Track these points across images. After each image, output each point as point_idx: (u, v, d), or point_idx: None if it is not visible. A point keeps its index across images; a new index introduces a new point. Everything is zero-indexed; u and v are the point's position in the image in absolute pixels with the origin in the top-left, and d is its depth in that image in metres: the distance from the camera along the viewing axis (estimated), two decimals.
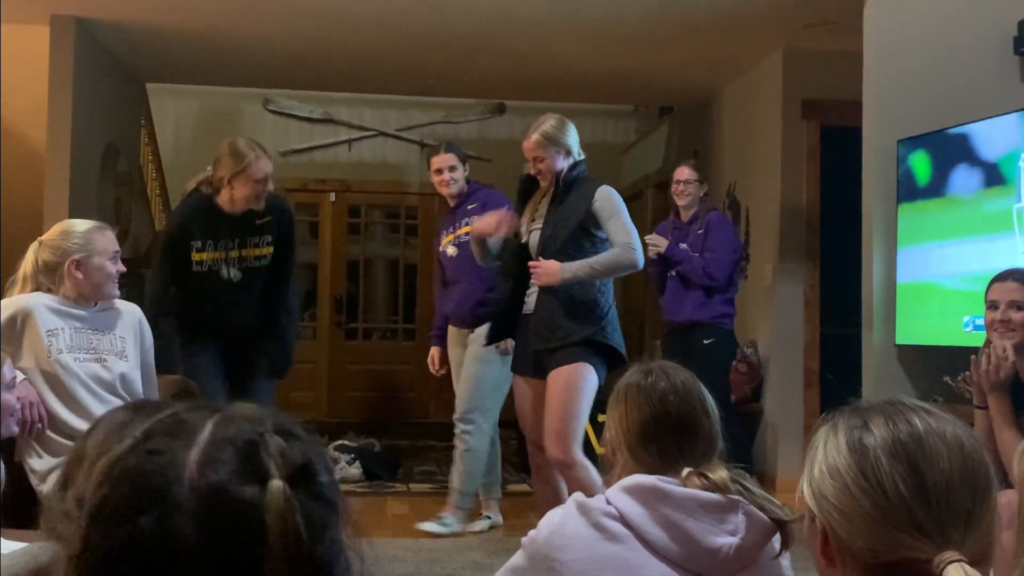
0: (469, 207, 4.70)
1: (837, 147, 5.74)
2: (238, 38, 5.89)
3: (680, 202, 5.40)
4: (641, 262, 3.73)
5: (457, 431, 4.76)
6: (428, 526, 4.66)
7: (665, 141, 8.17)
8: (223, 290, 3.88)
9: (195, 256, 3.84)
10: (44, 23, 5.48)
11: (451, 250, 4.76)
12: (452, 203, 4.78)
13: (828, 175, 5.92)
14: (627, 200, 7.43)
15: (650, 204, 8.27)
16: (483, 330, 4.53)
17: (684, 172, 5.41)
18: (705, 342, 5.24)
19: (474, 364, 4.68)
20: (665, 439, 1.83)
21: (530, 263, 3.74)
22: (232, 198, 3.79)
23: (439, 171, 4.71)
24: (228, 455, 0.74)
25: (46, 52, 5.50)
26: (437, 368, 4.99)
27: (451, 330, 4.86)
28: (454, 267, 4.75)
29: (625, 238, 3.68)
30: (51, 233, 3.07)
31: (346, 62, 6.43)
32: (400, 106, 8.67)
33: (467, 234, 4.55)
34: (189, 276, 3.85)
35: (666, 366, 1.94)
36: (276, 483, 0.73)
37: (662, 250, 5.25)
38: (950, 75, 4.31)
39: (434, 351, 4.98)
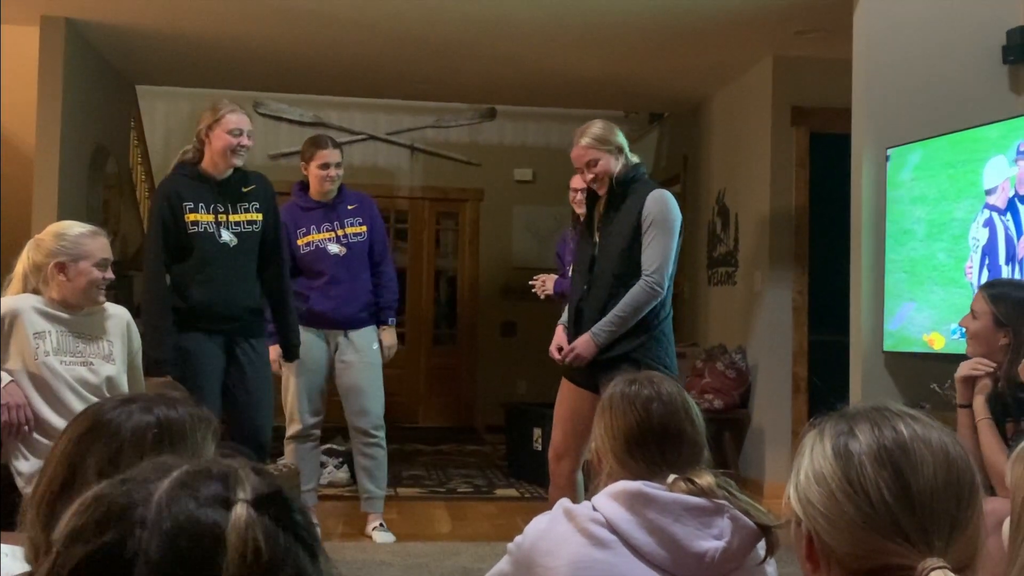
0: (350, 207, 4.71)
1: (826, 154, 5.76)
2: (229, 41, 5.89)
3: (578, 210, 5.36)
4: (663, 291, 3.59)
5: (362, 443, 4.69)
6: (383, 536, 4.65)
7: (655, 147, 8.20)
8: (223, 256, 3.89)
9: (189, 217, 3.85)
10: (34, 24, 5.47)
11: (336, 248, 4.62)
12: (327, 199, 4.65)
13: (817, 182, 5.94)
14: None
15: None
16: (370, 337, 4.63)
17: (578, 181, 5.32)
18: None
19: (371, 371, 4.64)
20: (649, 446, 1.84)
21: (564, 351, 3.64)
22: (212, 158, 3.88)
23: (327, 166, 4.62)
24: (198, 483, 0.76)
25: (36, 53, 5.48)
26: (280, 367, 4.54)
27: (306, 334, 4.46)
28: (337, 265, 4.61)
29: (651, 266, 3.55)
30: (45, 233, 3.06)
31: (337, 66, 6.43)
32: (390, 110, 8.67)
33: (356, 234, 4.63)
34: (186, 242, 3.84)
35: (652, 375, 1.96)
36: (240, 507, 0.75)
37: (550, 291, 5.23)
38: (939, 83, 4.33)
39: (274, 349, 4.34)
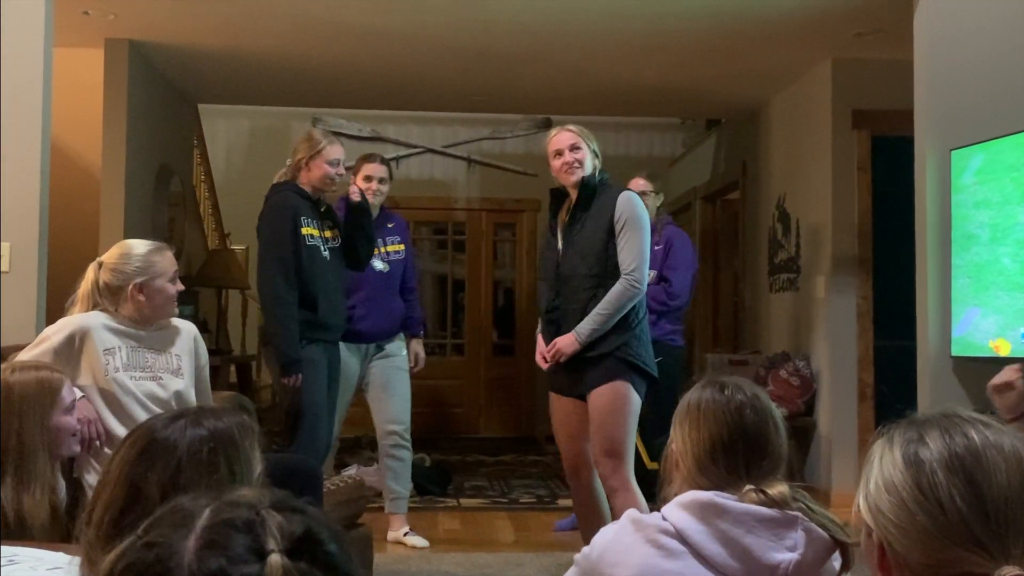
0: (389, 225, 4.84)
1: (889, 157, 5.68)
2: (287, 59, 5.96)
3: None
4: (644, 290, 3.66)
5: (391, 443, 4.76)
6: (416, 540, 4.74)
7: (713, 153, 8.14)
8: (324, 270, 4.08)
9: (304, 231, 4.04)
10: (98, 47, 5.59)
11: (380, 265, 4.71)
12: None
13: (880, 185, 5.86)
14: (674, 213, 7.35)
15: (698, 216, 8.24)
16: (399, 344, 4.81)
17: (639, 183, 5.14)
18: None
19: (403, 376, 4.81)
20: (737, 453, 1.79)
21: (548, 350, 3.70)
22: (309, 179, 4.12)
23: (370, 179, 4.69)
24: (226, 538, 0.74)
25: (100, 75, 5.61)
26: None
27: (343, 345, 4.41)
28: (377, 282, 4.71)
29: (629, 265, 3.61)
30: (111, 255, 3.11)
31: (394, 81, 6.48)
32: (447, 123, 8.72)
33: (396, 252, 4.78)
34: (299, 254, 4.00)
35: (739, 381, 1.91)
36: (275, 557, 0.73)
37: None
38: (1002, 82, 4.25)
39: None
